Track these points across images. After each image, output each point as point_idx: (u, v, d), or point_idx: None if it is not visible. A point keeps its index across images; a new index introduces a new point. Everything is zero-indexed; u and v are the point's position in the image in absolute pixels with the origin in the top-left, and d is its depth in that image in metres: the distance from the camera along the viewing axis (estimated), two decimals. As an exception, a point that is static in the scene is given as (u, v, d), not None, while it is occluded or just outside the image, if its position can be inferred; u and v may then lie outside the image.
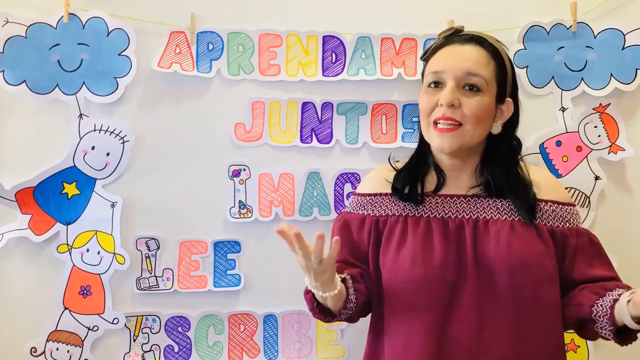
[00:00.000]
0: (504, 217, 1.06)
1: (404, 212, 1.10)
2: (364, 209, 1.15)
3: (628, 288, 1.01)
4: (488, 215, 1.07)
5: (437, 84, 1.07)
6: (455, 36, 1.10)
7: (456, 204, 1.09)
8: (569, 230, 1.08)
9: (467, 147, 1.07)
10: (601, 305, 0.99)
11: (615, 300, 0.97)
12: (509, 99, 1.11)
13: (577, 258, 1.07)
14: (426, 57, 1.14)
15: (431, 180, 1.12)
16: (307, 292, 1.07)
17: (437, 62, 1.09)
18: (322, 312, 1.07)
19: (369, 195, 1.16)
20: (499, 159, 1.10)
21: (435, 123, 1.05)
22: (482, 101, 1.05)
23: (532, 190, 1.08)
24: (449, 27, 1.12)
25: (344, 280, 1.05)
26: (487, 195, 1.09)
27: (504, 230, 1.04)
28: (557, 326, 1.05)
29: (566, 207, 1.10)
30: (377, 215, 1.12)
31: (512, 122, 1.13)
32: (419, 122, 1.18)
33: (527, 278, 1.01)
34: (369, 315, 1.16)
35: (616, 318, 0.96)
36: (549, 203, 1.09)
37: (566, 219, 1.09)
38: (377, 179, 1.17)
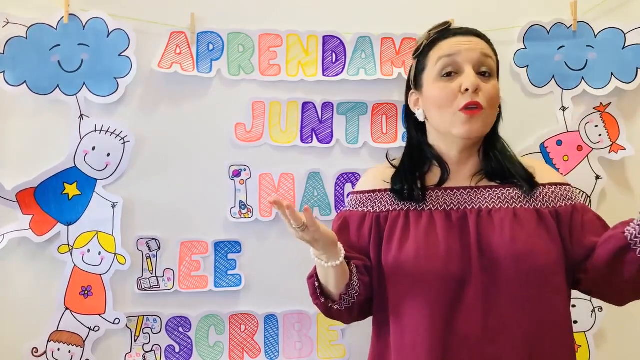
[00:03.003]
0: (506, 206, 1.06)
1: (405, 206, 1.10)
2: (364, 205, 1.14)
3: None
4: (490, 205, 1.07)
5: (450, 74, 1.06)
6: (452, 30, 1.11)
7: (457, 195, 1.09)
8: (572, 207, 1.09)
9: (485, 133, 1.08)
10: (633, 227, 0.98)
11: None
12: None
13: (586, 229, 1.07)
14: (419, 53, 1.13)
15: (432, 176, 1.13)
16: (310, 277, 1.08)
17: (445, 48, 1.07)
18: (323, 294, 1.07)
19: (369, 192, 1.15)
20: (498, 143, 1.13)
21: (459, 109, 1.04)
22: (496, 86, 1.08)
23: (526, 169, 1.11)
24: (442, 23, 1.12)
25: (348, 265, 1.05)
26: (489, 185, 1.10)
27: (507, 219, 1.04)
28: (564, 312, 1.05)
29: (564, 186, 1.11)
30: (378, 211, 1.12)
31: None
32: (406, 118, 1.19)
33: (531, 265, 1.01)
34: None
35: None
36: (547, 186, 1.10)
37: (567, 197, 1.10)
38: (375, 176, 1.17)
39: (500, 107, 1.14)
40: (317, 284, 1.07)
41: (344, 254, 1.03)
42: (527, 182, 1.09)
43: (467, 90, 1.03)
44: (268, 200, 0.93)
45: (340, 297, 1.06)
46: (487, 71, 1.07)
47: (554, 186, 1.10)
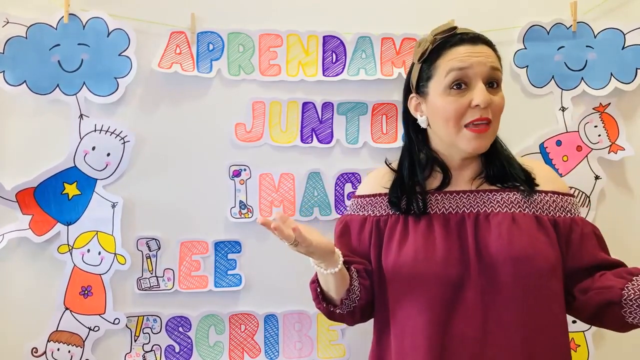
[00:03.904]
0: (504, 210, 1.06)
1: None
2: (365, 209, 1.15)
3: None
4: (489, 209, 1.07)
5: (460, 85, 1.03)
6: (458, 36, 1.07)
7: (456, 199, 1.09)
8: (571, 219, 1.08)
9: (491, 142, 1.08)
10: (632, 289, 0.99)
11: None
12: None
13: (584, 244, 1.07)
14: (425, 58, 1.09)
15: (432, 180, 1.12)
16: (312, 282, 1.09)
17: (456, 61, 1.04)
18: (325, 299, 1.08)
19: (369, 196, 1.16)
20: (497, 146, 1.12)
21: (466, 125, 1.04)
22: (503, 97, 1.07)
23: (528, 172, 1.11)
24: (447, 27, 1.08)
25: (348, 270, 1.06)
26: (488, 189, 1.09)
27: (505, 223, 1.04)
28: (561, 316, 1.06)
29: (566, 197, 1.11)
30: (378, 215, 1.12)
31: None
32: (404, 121, 1.18)
33: (529, 269, 1.01)
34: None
35: None
36: (549, 194, 1.09)
37: (567, 209, 1.09)
38: (376, 180, 1.17)
39: None
40: (318, 290, 1.08)
41: (342, 260, 1.03)
42: (527, 183, 1.09)
43: (477, 105, 1.02)
44: (257, 221, 0.93)
45: (341, 301, 1.07)
46: (497, 82, 1.05)
47: (555, 195, 1.09)
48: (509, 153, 1.14)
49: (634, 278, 1.01)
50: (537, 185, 1.09)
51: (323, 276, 1.04)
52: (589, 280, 1.06)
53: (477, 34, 1.09)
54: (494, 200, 1.08)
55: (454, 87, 1.04)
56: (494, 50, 1.09)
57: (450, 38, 1.07)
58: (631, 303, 0.99)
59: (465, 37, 1.07)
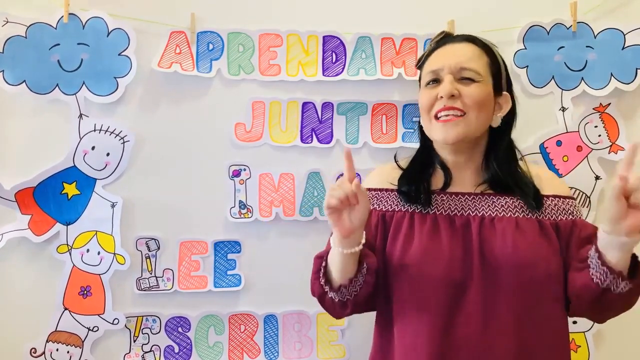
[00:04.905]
0: (509, 215, 1.07)
1: (411, 208, 1.10)
2: (370, 203, 1.13)
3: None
4: (494, 213, 1.08)
5: (435, 81, 1.10)
6: (447, 38, 1.16)
7: (461, 201, 1.10)
8: (573, 222, 1.09)
9: (471, 137, 1.08)
10: (599, 273, 0.97)
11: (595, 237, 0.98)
12: (506, 93, 1.14)
13: (583, 244, 1.07)
14: (420, 64, 1.18)
15: (437, 180, 1.13)
16: (319, 257, 1.07)
17: (432, 63, 1.13)
18: (325, 276, 1.05)
19: (375, 190, 1.16)
20: (501, 154, 1.12)
21: (437, 116, 1.08)
22: (480, 88, 1.08)
23: (534, 183, 1.11)
24: (440, 33, 1.18)
25: (360, 264, 1.03)
26: (492, 193, 1.10)
27: (509, 228, 1.05)
28: (562, 320, 1.06)
29: (568, 200, 1.11)
30: (384, 209, 1.12)
31: (510, 118, 1.15)
32: (418, 122, 1.20)
33: (532, 276, 1.02)
34: (373, 313, 1.15)
35: (602, 251, 0.95)
36: (550, 197, 1.10)
37: (569, 211, 1.10)
38: (383, 175, 1.18)
39: (513, 115, 1.15)
40: (323, 264, 1.05)
41: (359, 248, 1.00)
42: (534, 199, 1.08)
43: (442, 97, 1.07)
44: (345, 150, 0.98)
45: (339, 287, 1.03)
46: (469, 77, 1.08)
47: (557, 198, 1.10)
48: (522, 167, 1.13)
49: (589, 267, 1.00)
50: (542, 198, 1.09)
51: (335, 252, 1.01)
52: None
53: (463, 35, 1.15)
54: (498, 204, 1.09)
55: (430, 83, 1.11)
56: (481, 47, 1.11)
57: (440, 43, 1.15)
58: (593, 262, 0.98)
59: (455, 38, 1.14)
